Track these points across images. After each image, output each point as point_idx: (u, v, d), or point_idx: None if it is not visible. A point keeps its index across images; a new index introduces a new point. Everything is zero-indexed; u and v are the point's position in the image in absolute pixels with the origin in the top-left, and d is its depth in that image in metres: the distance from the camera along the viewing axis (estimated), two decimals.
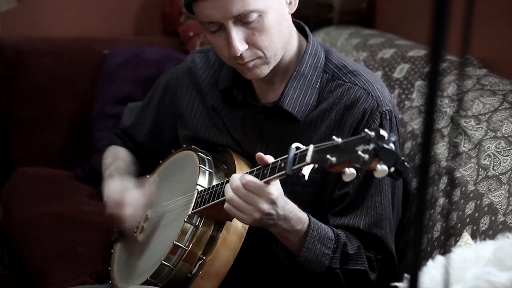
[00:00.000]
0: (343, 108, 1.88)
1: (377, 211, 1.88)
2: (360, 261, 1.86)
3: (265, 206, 1.68)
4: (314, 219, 1.81)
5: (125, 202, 1.94)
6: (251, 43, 1.80)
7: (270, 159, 1.70)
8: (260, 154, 1.71)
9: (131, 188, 1.97)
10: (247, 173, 1.74)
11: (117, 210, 1.94)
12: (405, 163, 1.45)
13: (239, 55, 1.79)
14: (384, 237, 1.89)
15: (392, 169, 1.44)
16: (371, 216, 1.88)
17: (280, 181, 1.73)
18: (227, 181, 1.79)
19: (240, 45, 1.78)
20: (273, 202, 1.68)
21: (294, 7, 1.87)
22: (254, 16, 1.77)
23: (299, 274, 1.86)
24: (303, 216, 1.78)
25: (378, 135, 1.45)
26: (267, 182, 1.68)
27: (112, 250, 2.07)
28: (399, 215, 1.96)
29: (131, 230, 1.99)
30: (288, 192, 1.77)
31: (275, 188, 1.69)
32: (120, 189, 1.97)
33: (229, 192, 1.70)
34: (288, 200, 1.75)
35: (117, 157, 2.20)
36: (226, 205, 1.71)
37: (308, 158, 1.58)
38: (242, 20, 1.78)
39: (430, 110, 0.89)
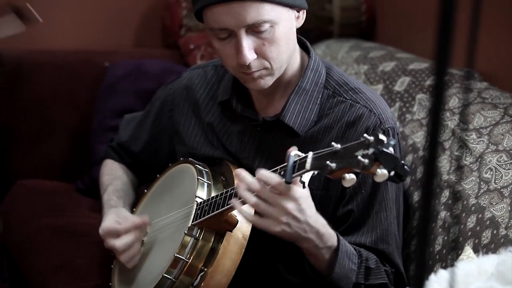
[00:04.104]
0: (345, 125, 1.89)
1: (382, 226, 1.87)
2: (380, 275, 1.86)
3: (290, 206, 1.64)
4: (338, 233, 1.80)
5: (118, 235, 1.92)
6: (260, 53, 1.81)
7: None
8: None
9: (125, 221, 1.95)
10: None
11: (111, 243, 1.93)
12: (405, 167, 1.45)
13: (247, 64, 1.80)
14: (391, 252, 1.88)
15: (392, 173, 1.45)
16: (377, 232, 1.87)
17: None
18: (227, 192, 1.79)
19: (249, 54, 1.79)
20: (296, 201, 1.64)
21: (301, 22, 1.88)
22: (266, 26, 1.78)
23: None
24: (332, 232, 1.77)
25: (377, 139, 1.46)
26: None
27: (112, 266, 2.07)
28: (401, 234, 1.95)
29: (129, 261, 1.96)
30: None
31: (297, 188, 1.65)
32: (115, 222, 1.95)
33: (251, 198, 1.66)
34: (320, 216, 1.72)
35: (114, 175, 2.20)
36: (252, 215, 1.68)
37: (308, 165, 1.58)
38: (254, 29, 1.78)
39: (435, 124, 0.89)
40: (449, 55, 0.83)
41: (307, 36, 1.99)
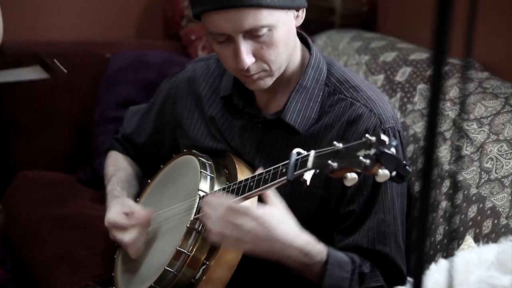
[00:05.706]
0: (345, 124, 1.87)
1: (379, 228, 1.85)
2: (375, 277, 1.84)
3: (249, 224, 1.68)
4: (328, 246, 1.79)
5: (124, 229, 1.94)
6: (258, 57, 1.80)
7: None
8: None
9: (130, 212, 1.96)
10: (240, 182, 1.76)
11: (118, 237, 1.95)
12: (407, 167, 1.45)
13: (246, 68, 1.79)
14: (388, 253, 1.85)
15: (394, 173, 1.44)
16: (373, 233, 1.85)
17: (281, 194, 1.74)
18: (229, 187, 1.79)
19: (248, 58, 1.78)
20: (256, 220, 1.67)
21: (300, 20, 1.86)
22: (264, 30, 1.77)
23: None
24: (321, 246, 1.76)
25: (379, 140, 1.45)
26: (268, 188, 1.70)
27: (115, 256, 2.07)
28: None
29: (136, 253, 1.97)
30: (289, 206, 1.75)
31: (258, 207, 1.69)
32: (120, 215, 1.96)
33: (209, 220, 1.71)
34: (305, 234, 1.73)
35: (118, 166, 2.21)
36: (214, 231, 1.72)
37: (310, 163, 1.58)
38: (252, 34, 1.77)
39: (433, 114, 0.89)
40: (447, 44, 0.83)
41: (308, 27, 1.99)
